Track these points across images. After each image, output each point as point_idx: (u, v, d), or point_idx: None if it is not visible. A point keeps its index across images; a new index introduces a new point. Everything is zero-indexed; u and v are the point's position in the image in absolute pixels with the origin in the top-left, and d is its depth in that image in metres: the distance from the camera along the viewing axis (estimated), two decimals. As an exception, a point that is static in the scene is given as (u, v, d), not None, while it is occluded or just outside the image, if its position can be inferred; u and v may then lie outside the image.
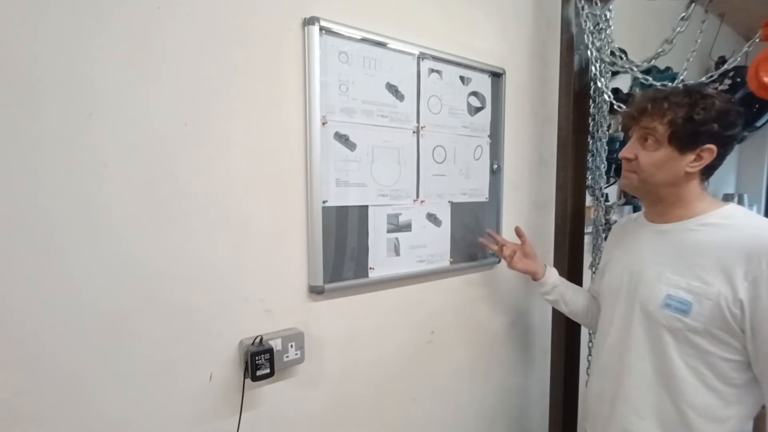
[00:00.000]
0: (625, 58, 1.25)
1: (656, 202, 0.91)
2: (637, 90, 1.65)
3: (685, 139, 0.81)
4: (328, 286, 0.97)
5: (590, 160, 1.38)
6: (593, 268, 1.44)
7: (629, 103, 0.92)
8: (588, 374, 1.45)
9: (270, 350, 0.86)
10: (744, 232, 0.78)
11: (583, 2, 1.23)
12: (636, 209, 1.79)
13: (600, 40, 1.25)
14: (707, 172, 0.85)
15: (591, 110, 1.35)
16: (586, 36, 1.25)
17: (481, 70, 1.24)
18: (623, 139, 1.57)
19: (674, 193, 0.86)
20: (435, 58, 1.13)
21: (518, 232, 1.23)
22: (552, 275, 1.17)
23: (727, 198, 2.53)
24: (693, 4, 1.10)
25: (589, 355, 1.43)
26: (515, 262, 1.17)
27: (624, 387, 0.90)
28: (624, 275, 0.94)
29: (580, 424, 1.43)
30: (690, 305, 0.79)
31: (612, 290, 0.97)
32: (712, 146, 0.81)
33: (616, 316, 0.94)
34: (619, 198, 1.78)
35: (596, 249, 1.44)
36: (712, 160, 0.82)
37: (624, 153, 0.89)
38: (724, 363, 0.79)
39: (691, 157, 0.82)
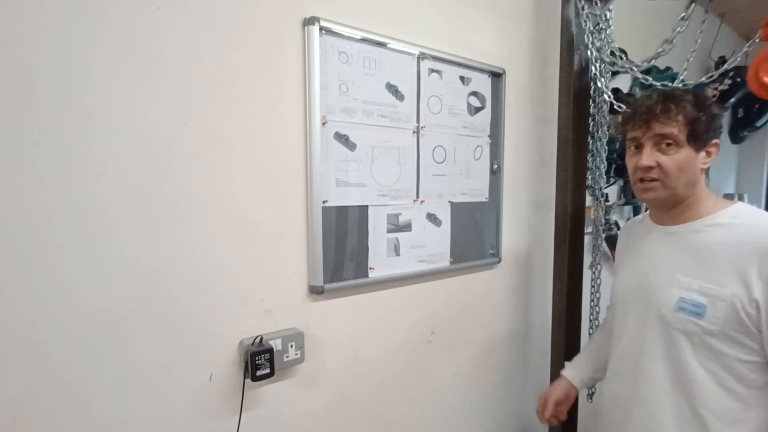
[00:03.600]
0: (625, 58, 1.25)
1: (674, 205, 0.87)
2: (638, 90, 1.65)
3: (701, 136, 0.81)
4: (328, 286, 0.97)
5: (590, 160, 1.38)
6: (593, 268, 1.44)
7: (627, 111, 0.89)
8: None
9: (270, 350, 0.86)
10: (755, 231, 0.77)
11: (583, 2, 1.23)
12: (636, 209, 1.79)
13: (600, 40, 1.25)
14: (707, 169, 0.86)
15: (591, 110, 1.35)
16: (586, 36, 1.25)
17: (481, 70, 1.24)
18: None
19: (692, 194, 0.85)
20: (435, 58, 1.13)
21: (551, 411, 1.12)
22: (577, 377, 1.13)
23: (727, 198, 2.53)
24: (693, 4, 1.10)
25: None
26: (562, 414, 1.13)
27: (639, 392, 0.88)
28: (634, 280, 0.92)
29: (581, 425, 1.42)
30: (704, 308, 0.78)
31: (622, 295, 0.96)
32: (718, 140, 0.83)
33: (628, 321, 0.93)
34: (619, 198, 1.78)
35: (596, 249, 1.43)
36: (717, 154, 0.84)
37: (644, 162, 0.83)
38: (743, 365, 0.78)
39: (703, 154, 0.83)
